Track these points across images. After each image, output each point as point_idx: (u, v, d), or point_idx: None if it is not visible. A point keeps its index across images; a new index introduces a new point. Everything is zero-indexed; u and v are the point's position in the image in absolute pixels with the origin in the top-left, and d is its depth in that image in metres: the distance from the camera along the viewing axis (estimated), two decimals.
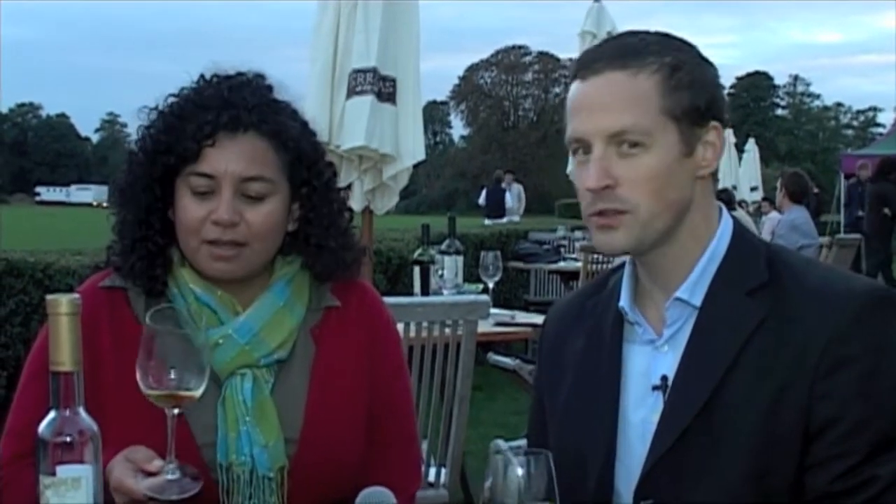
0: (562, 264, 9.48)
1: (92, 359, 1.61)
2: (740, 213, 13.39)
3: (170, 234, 1.77)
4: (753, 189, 19.91)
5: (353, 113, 4.75)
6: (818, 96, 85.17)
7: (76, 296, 1.33)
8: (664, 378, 1.55)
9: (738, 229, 1.61)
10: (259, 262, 1.77)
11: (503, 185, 20.22)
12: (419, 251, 4.76)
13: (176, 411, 1.50)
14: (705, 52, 1.60)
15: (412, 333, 3.36)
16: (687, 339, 1.55)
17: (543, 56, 76.91)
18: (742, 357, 1.49)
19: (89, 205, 67.55)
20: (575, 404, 1.64)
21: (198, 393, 1.50)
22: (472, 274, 5.53)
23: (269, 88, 1.83)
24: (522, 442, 1.81)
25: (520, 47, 78.04)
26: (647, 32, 1.59)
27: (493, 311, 3.90)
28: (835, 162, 28.34)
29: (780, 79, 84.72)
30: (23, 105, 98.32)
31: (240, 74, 1.82)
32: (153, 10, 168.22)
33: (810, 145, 74.37)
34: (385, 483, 1.59)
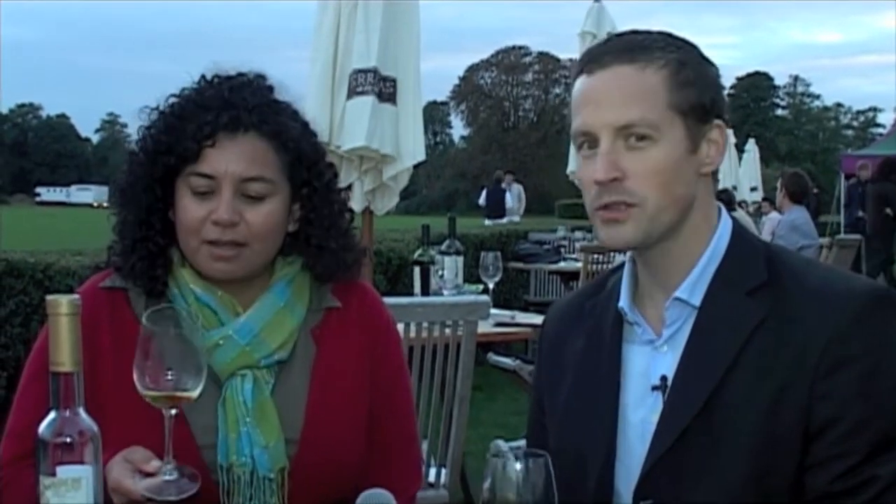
0: (562, 265, 9.47)
1: (92, 359, 1.61)
2: (740, 213, 13.39)
3: (170, 235, 1.77)
4: (753, 189, 19.93)
5: (354, 113, 4.75)
6: (818, 97, 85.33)
7: (76, 296, 1.33)
8: (663, 378, 1.55)
9: (737, 229, 1.61)
10: (259, 263, 1.77)
11: (503, 185, 20.23)
12: (419, 252, 4.76)
13: (173, 412, 1.50)
14: (705, 53, 1.61)
15: (412, 334, 3.36)
16: (686, 340, 1.55)
17: (543, 56, 76.95)
18: (742, 357, 1.49)
19: (90, 205, 67.58)
20: (575, 404, 1.64)
21: (195, 393, 1.50)
22: (472, 274, 5.53)
23: (270, 89, 1.83)
24: (522, 442, 1.81)
25: (520, 47, 78.11)
26: (650, 31, 1.60)
27: (493, 311, 3.89)
28: (835, 162, 28.34)
29: (781, 79, 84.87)
30: (23, 105, 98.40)
31: (240, 75, 1.82)
32: (153, 10, 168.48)
33: (810, 146, 74.39)
34: (385, 483, 1.59)
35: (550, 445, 1.65)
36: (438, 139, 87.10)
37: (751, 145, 21.45)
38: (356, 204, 4.80)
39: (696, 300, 1.55)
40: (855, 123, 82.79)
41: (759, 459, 1.45)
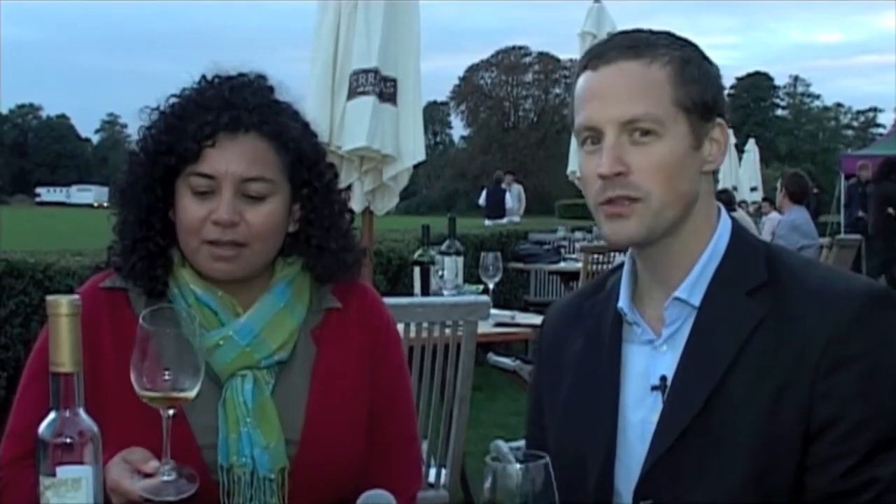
0: (562, 265, 9.48)
1: (92, 360, 1.61)
2: (741, 213, 13.40)
3: (170, 235, 1.77)
4: (753, 189, 19.94)
5: (355, 113, 4.75)
6: (818, 97, 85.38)
7: (76, 297, 1.33)
8: (663, 378, 1.55)
9: (737, 229, 1.61)
10: (259, 263, 1.77)
11: (503, 185, 20.22)
12: (419, 252, 4.76)
13: (171, 412, 1.50)
14: (706, 53, 1.61)
15: (412, 334, 3.36)
16: (686, 339, 1.55)
17: (544, 56, 76.96)
18: (741, 357, 1.49)
19: (90, 206, 67.64)
20: (574, 405, 1.64)
21: (192, 393, 1.50)
22: (472, 274, 5.53)
23: (271, 89, 1.83)
24: (522, 442, 1.81)
25: (520, 48, 78.13)
26: (652, 30, 1.60)
27: (493, 311, 3.89)
28: (835, 162, 28.35)
29: (781, 79, 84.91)
30: (23, 106, 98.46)
31: (241, 75, 1.82)
32: (153, 10, 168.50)
33: (810, 146, 74.39)
34: (385, 484, 1.59)
35: (550, 446, 1.65)
36: (438, 139, 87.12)
37: (751, 145, 21.46)
38: (356, 204, 4.80)
39: (696, 300, 1.55)
40: (855, 123, 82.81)
41: (759, 459, 1.45)
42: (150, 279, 1.76)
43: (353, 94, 4.76)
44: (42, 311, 1.36)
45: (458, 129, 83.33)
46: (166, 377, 1.47)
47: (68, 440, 1.30)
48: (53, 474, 1.29)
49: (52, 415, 1.31)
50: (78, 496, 1.29)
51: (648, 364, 1.58)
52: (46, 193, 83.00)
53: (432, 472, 3.48)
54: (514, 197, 20.28)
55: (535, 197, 44.93)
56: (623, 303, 1.62)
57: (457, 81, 79.21)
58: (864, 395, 1.44)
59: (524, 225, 15.82)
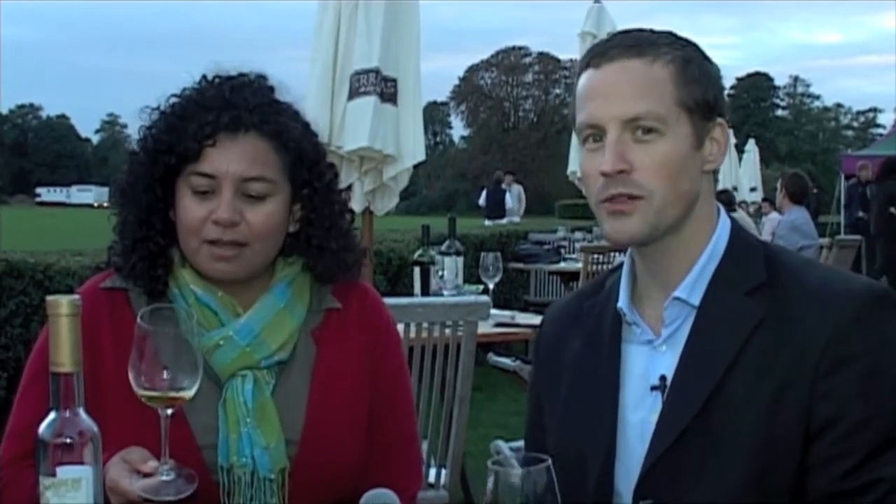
0: (562, 265, 9.48)
1: (93, 360, 1.61)
2: (741, 213, 13.40)
3: (171, 235, 1.77)
4: (753, 190, 19.95)
5: (356, 114, 4.75)
6: (818, 97, 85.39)
7: (76, 297, 1.33)
8: (662, 378, 1.55)
9: (736, 229, 1.61)
10: (259, 263, 1.77)
11: (503, 185, 20.22)
12: (419, 252, 4.77)
13: (169, 412, 1.50)
14: (706, 53, 1.61)
15: (412, 334, 3.36)
16: (685, 339, 1.55)
17: (544, 57, 76.99)
18: (741, 357, 1.49)
19: (90, 206, 67.62)
20: (574, 405, 1.64)
21: (190, 393, 1.49)
22: (472, 275, 5.53)
23: (271, 89, 1.83)
24: (522, 443, 1.81)
25: (520, 48, 78.15)
26: (653, 29, 1.60)
27: (493, 311, 3.89)
28: (835, 163, 28.34)
29: (781, 79, 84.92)
30: (23, 106, 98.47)
31: (241, 75, 1.82)
32: (153, 10, 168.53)
33: (810, 146, 74.39)
34: (385, 484, 1.59)
35: (549, 446, 1.65)
36: (438, 139, 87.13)
37: (751, 146, 21.47)
38: (356, 204, 4.80)
39: (696, 300, 1.55)
40: (855, 124, 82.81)
41: (759, 459, 1.45)
42: (150, 279, 1.76)
43: (354, 94, 4.76)
44: (42, 311, 1.36)
45: (458, 129, 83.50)
46: (165, 376, 1.47)
47: (68, 440, 1.30)
48: (53, 474, 1.29)
49: (52, 415, 1.31)
50: (78, 496, 1.29)
51: (648, 364, 1.58)
52: (46, 193, 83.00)
53: (432, 472, 3.48)
54: (514, 197, 20.28)
55: (535, 197, 44.94)
56: (622, 303, 1.62)
57: (457, 81, 79.35)
58: (865, 395, 1.44)
59: (524, 225, 15.82)
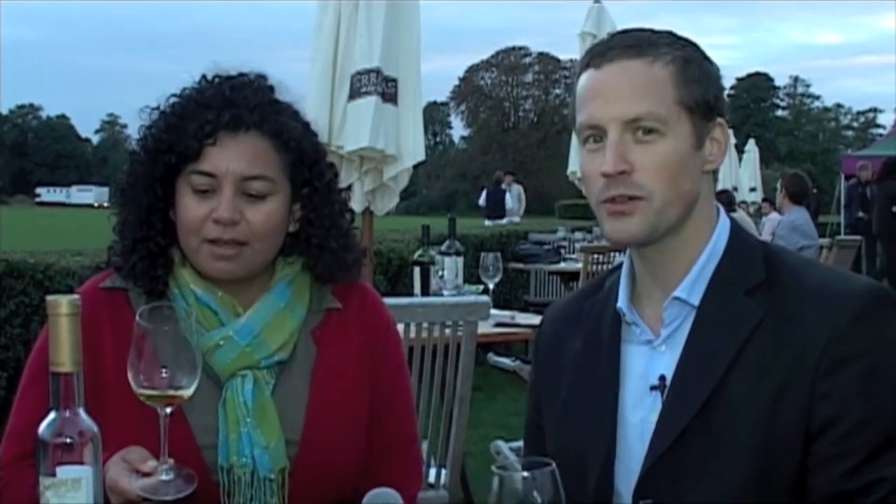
0: (562, 265, 9.48)
1: (93, 360, 1.61)
2: (741, 213, 13.39)
3: (171, 235, 1.77)
4: (753, 190, 19.95)
5: (358, 114, 4.75)
6: (818, 97, 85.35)
7: (76, 296, 1.33)
8: (662, 378, 1.55)
9: (735, 229, 1.61)
10: (260, 262, 1.77)
11: (503, 186, 20.22)
12: (419, 252, 4.77)
13: (168, 410, 1.50)
14: (706, 53, 1.61)
15: (412, 334, 3.36)
16: (685, 339, 1.55)
17: (544, 57, 76.99)
18: (741, 357, 1.49)
19: (90, 206, 67.63)
20: (573, 405, 1.64)
21: (189, 392, 1.50)
22: (472, 275, 5.53)
23: (271, 89, 1.83)
24: (522, 443, 1.81)
25: (520, 48, 78.17)
26: (653, 29, 1.60)
27: (493, 311, 3.89)
28: (835, 163, 28.37)
29: (781, 80, 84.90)
30: (23, 106, 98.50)
31: (241, 75, 1.82)
32: (153, 10, 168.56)
33: (810, 146, 74.38)
34: (386, 484, 1.59)
35: (548, 446, 1.65)
36: (438, 139, 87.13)
37: (751, 146, 21.48)
38: (356, 204, 4.80)
39: (695, 299, 1.55)
40: (855, 124, 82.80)
41: (759, 459, 1.45)
42: (150, 279, 1.76)
43: (356, 94, 4.76)
44: (42, 311, 1.36)
45: (458, 129, 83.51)
46: (163, 375, 1.47)
47: (68, 440, 1.30)
48: (53, 474, 1.29)
49: (52, 415, 1.31)
50: (78, 496, 1.29)
51: (647, 364, 1.58)
52: (46, 194, 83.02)
53: (432, 472, 3.48)
54: (514, 197, 20.28)
55: (535, 197, 44.94)
56: (622, 303, 1.62)
57: (457, 82, 79.37)
58: (865, 395, 1.44)
59: (524, 225, 15.82)
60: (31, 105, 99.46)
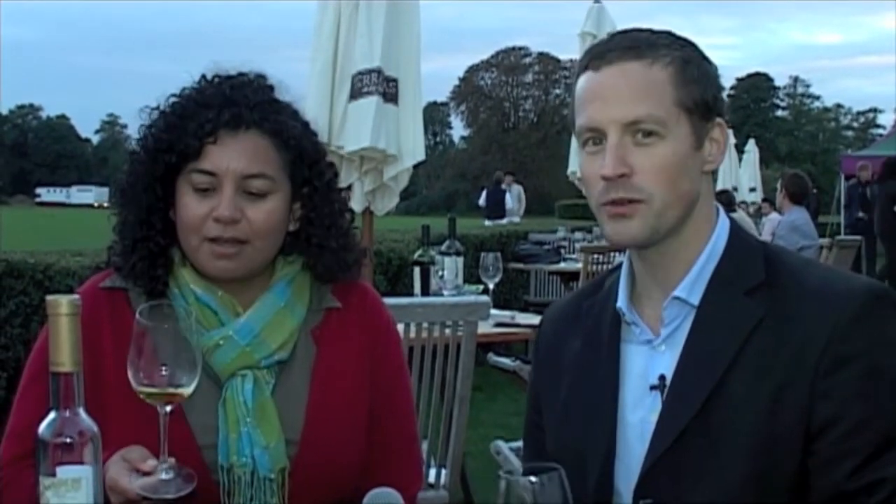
0: (562, 265, 9.49)
1: (93, 359, 1.61)
2: (741, 214, 13.39)
3: (171, 235, 1.77)
4: (752, 190, 19.95)
5: (359, 114, 4.74)
6: (818, 97, 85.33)
7: (76, 296, 1.33)
8: (662, 378, 1.55)
9: (735, 229, 1.61)
10: (260, 261, 1.77)
11: (503, 186, 20.22)
12: (419, 252, 4.77)
13: (168, 408, 1.50)
14: (705, 53, 1.61)
15: (412, 334, 3.36)
16: (685, 339, 1.55)
17: (544, 57, 77.01)
18: (741, 356, 1.49)
19: (90, 206, 67.65)
20: (573, 405, 1.64)
21: (189, 390, 1.50)
22: (472, 275, 5.53)
23: (271, 88, 1.83)
24: (522, 443, 1.81)
25: (520, 48, 78.19)
26: (652, 29, 1.60)
27: (493, 311, 3.89)
28: (835, 163, 28.39)
29: (781, 80, 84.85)
30: (23, 107, 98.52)
31: (241, 74, 1.83)
32: (153, 10, 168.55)
33: (810, 146, 74.36)
34: (386, 484, 1.59)
35: (548, 446, 1.65)
36: (438, 140, 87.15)
37: (751, 146, 21.47)
38: (356, 204, 4.80)
39: (695, 299, 1.55)
40: (855, 124, 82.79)
41: (759, 459, 1.45)
42: (150, 279, 1.76)
43: (357, 94, 4.76)
44: (42, 311, 1.36)
45: (458, 129, 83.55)
46: (163, 373, 1.47)
47: (68, 440, 1.30)
48: (53, 474, 1.29)
49: (52, 415, 1.31)
50: (78, 496, 1.29)
51: (647, 364, 1.58)
52: (46, 194, 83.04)
53: (432, 472, 3.48)
54: (514, 197, 20.28)
55: (535, 197, 44.94)
56: (622, 303, 1.62)
57: (457, 82, 79.39)
58: (864, 395, 1.44)
59: (524, 225, 15.83)
60: (31, 105, 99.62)
